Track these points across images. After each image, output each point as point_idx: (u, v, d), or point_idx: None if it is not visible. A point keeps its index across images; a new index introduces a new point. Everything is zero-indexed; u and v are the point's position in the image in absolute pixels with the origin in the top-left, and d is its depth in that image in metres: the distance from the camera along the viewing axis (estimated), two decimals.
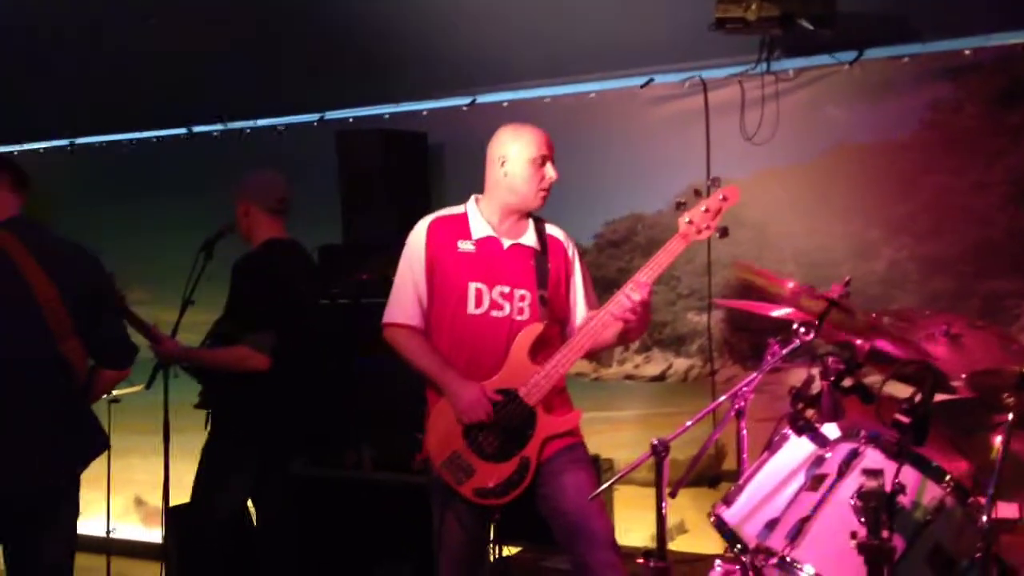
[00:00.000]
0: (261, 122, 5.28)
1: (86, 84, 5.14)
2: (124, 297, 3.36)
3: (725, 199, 2.60)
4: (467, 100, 4.77)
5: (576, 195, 4.47)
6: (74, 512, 2.79)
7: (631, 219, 4.38)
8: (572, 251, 2.91)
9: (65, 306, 2.66)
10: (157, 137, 5.54)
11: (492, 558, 3.54)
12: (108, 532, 4.50)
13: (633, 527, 3.90)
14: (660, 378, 4.27)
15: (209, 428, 3.52)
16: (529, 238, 2.81)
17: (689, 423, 2.39)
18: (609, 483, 2.37)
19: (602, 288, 4.30)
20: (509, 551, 3.79)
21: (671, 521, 3.80)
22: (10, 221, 2.73)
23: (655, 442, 2.22)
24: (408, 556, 3.71)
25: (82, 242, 2.91)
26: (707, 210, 2.59)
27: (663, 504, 2.26)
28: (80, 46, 4.87)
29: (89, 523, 5.36)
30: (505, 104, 4.70)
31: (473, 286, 2.72)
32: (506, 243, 2.78)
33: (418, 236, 2.82)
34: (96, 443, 2.85)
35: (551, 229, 2.89)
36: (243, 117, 5.29)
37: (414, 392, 3.75)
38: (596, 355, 4.32)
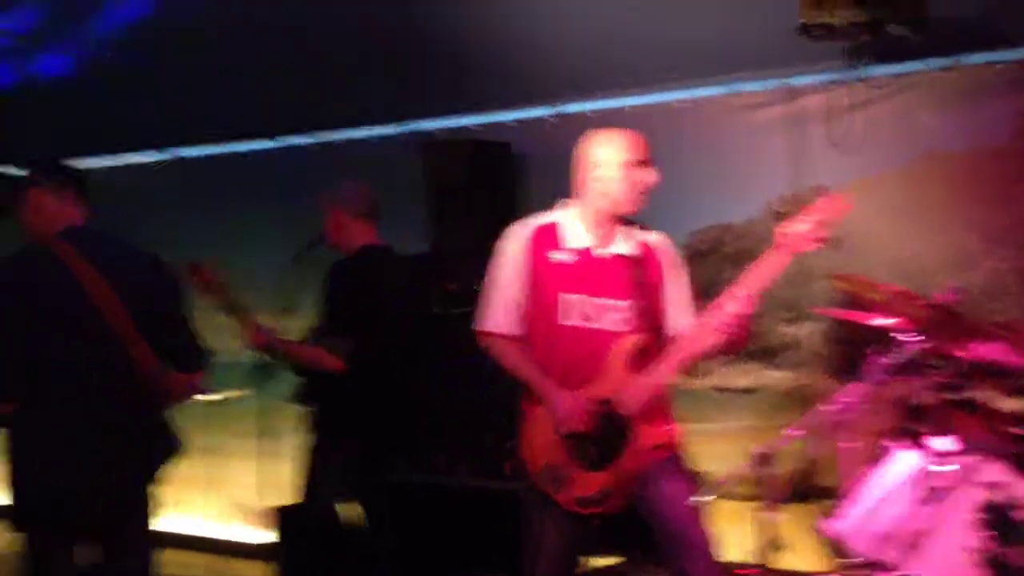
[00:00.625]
0: (349, 134, 5.40)
1: (182, 97, 5.31)
2: (224, 283, 3.45)
3: (829, 209, 2.52)
4: (552, 111, 4.80)
5: (661, 205, 4.43)
6: (150, 514, 2.84)
7: (718, 229, 4.34)
8: (670, 257, 2.85)
9: (128, 311, 2.68)
10: (249, 150, 5.70)
11: (585, 568, 3.53)
12: (208, 533, 4.61)
13: (728, 541, 3.85)
14: (750, 391, 4.22)
15: (310, 427, 3.59)
16: (624, 246, 2.76)
17: (791, 433, 2.36)
18: (713, 493, 2.35)
19: None
20: (604, 562, 3.78)
21: (764, 537, 3.76)
22: (70, 231, 2.76)
23: (758, 452, 2.19)
24: (499, 564, 3.73)
25: (145, 249, 2.95)
26: (809, 221, 2.51)
27: (766, 514, 2.23)
28: (177, 60, 5.03)
29: (190, 522, 5.61)
30: (590, 114, 4.70)
31: (567, 297, 2.71)
32: (600, 252, 2.75)
33: (514, 243, 2.80)
34: (169, 446, 2.88)
35: (647, 235, 2.83)
36: (331, 128, 5.41)
37: (504, 399, 3.80)
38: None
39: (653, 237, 2.84)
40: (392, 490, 3.70)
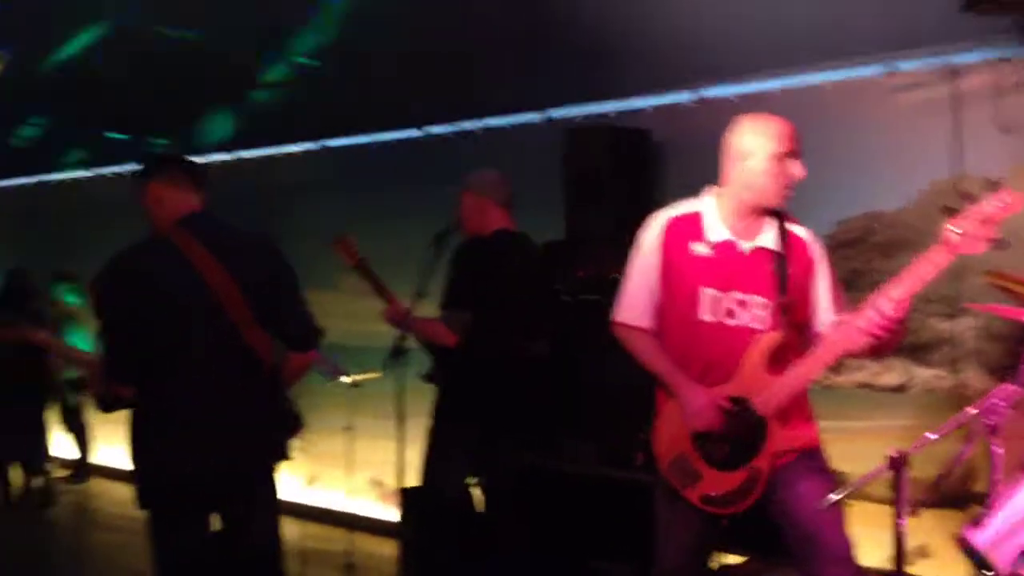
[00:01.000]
0: (490, 122, 5.46)
1: (334, 91, 5.51)
2: (365, 258, 3.62)
3: (1005, 206, 2.25)
4: (693, 96, 4.69)
5: (807, 192, 4.25)
6: (274, 492, 2.89)
7: (867, 218, 4.13)
8: (816, 251, 2.70)
9: (243, 296, 2.73)
10: (395, 139, 5.86)
11: (713, 565, 3.46)
12: (345, 508, 4.79)
13: (868, 547, 3.68)
14: (900, 389, 3.99)
15: (433, 408, 3.66)
16: (769, 239, 2.64)
17: (932, 436, 2.21)
18: (844, 494, 2.23)
19: None
20: (733, 560, 3.69)
21: (911, 544, 3.56)
22: (187, 218, 2.81)
23: (894, 454, 2.07)
24: (627, 555, 3.70)
25: (262, 233, 3.00)
26: (979, 218, 2.26)
27: (901, 521, 2.11)
28: (327, 52, 5.22)
29: (331, 498, 5.87)
30: (733, 98, 4.57)
31: (706, 292, 2.62)
32: (743, 246, 2.63)
33: (652, 235, 2.73)
34: (289, 426, 2.94)
35: (794, 227, 2.69)
36: (474, 117, 5.49)
37: (636, 388, 3.75)
38: None
39: (799, 230, 2.70)
40: (517, 475, 3.72)
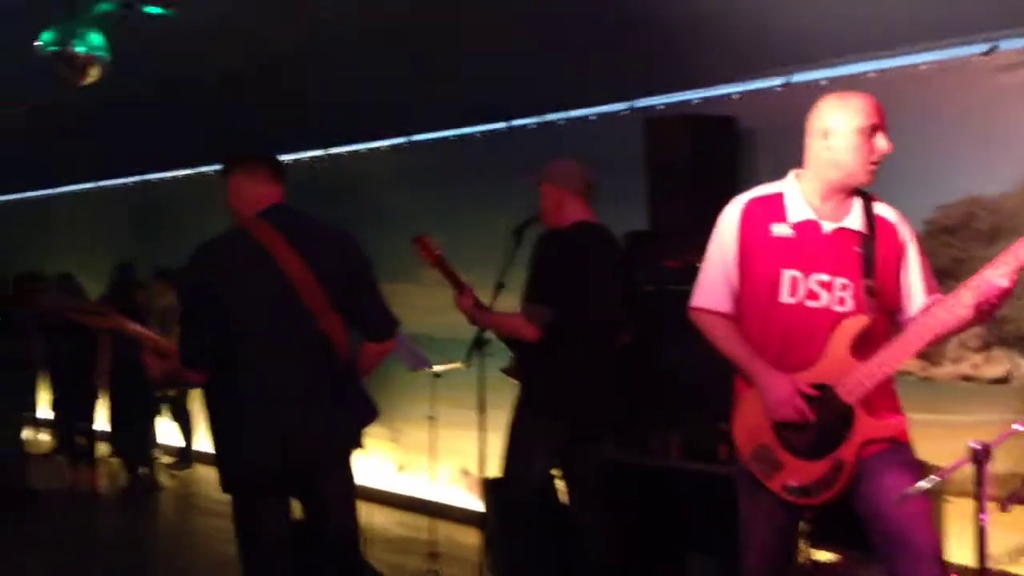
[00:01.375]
0: (574, 113, 5.44)
1: (416, 86, 5.57)
2: (442, 255, 3.61)
3: None
4: (781, 81, 4.57)
5: (904, 177, 4.10)
6: (351, 479, 2.90)
7: (968, 203, 3.95)
8: (905, 233, 2.58)
9: (320, 285, 2.76)
10: (480, 132, 5.89)
11: (802, 560, 3.37)
12: (431, 497, 4.85)
13: (965, 544, 3.53)
14: (1003, 380, 3.81)
15: (517, 400, 3.66)
16: (854, 220, 2.54)
17: (1020, 427, 2.10)
18: (921, 488, 2.14)
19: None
20: (823, 555, 3.58)
21: (1012, 542, 3.40)
22: (267, 210, 2.86)
23: (975, 446, 1.97)
24: (716, 549, 3.64)
25: (342, 227, 3.01)
26: None
27: (983, 516, 2.01)
28: (411, 50, 5.27)
29: (417, 486, 5.96)
30: (823, 83, 4.43)
31: (787, 274, 2.53)
32: (827, 227, 2.54)
33: (730, 218, 2.66)
34: (365, 414, 2.93)
35: (881, 208, 2.58)
36: (557, 109, 5.48)
37: (724, 380, 3.68)
38: (926, 351, 3.96)
39: (887, 211, 2.60)
40: (602, 468, 3.69)
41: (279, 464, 2.74)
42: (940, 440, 3.75)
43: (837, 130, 2.49)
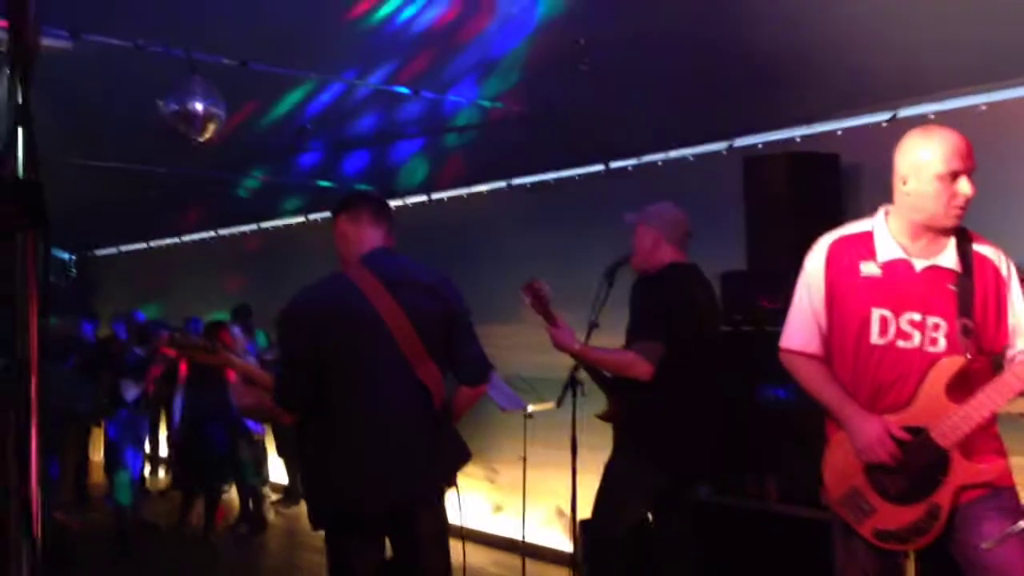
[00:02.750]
0: (673, 154, 5.42)
1: (517, 131, 5.66)
2: (542, 289, 3.53)
3: None
4: (887, 116, 4.46)
5: (1019, 211, 3.95)
6: (444, 518, 2.91)
7: None
8: (1007, 270, 2.48)
9: (417, 332, 2.78)
10: (578, 174, 5.94)
11: None
12: (523, 537, 4.82)
13: None
14: None
15: (614, 444, 3.63)
16: (948, 258, 2.46)
17: None
18: (1011, 532, 2.02)
19: None
20: None
21: None
22: (368, 255, 2.89)
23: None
24: None
25: (437, 268, 2.99)
26: None
27: None
28: (511, 97, 5.37)
29: (513, 526, 5.94)
30: (932, 116, 4.31)
31: (877, 313, 2.46)
32: (919, 265, 2.46)
33: (817, 257, 2.62)
34: (459, 456, 2.95)
35: (980, 246, 2.49)
36: (657, 151, 5.47)
37: (823, 421, 3.56)
38: None
39: (986, 248, 2.50)
40: (699, 512, 3.62)
41: (379, 508, 2.77)
42: None
43: (915, 175, 2.41)
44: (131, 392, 6.38)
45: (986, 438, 2.41)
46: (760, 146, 4.95)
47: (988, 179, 4.05)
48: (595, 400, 3.81)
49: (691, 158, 5.31)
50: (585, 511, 3.73)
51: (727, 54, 4.45)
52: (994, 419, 2.41)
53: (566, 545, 5.29)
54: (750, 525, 3.90)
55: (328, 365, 2.74)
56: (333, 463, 2.76)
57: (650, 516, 3.68)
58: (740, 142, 5.05)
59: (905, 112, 4.40)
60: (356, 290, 2.79)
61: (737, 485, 4.00)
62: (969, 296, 2.41)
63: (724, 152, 5.12)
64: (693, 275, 3.63)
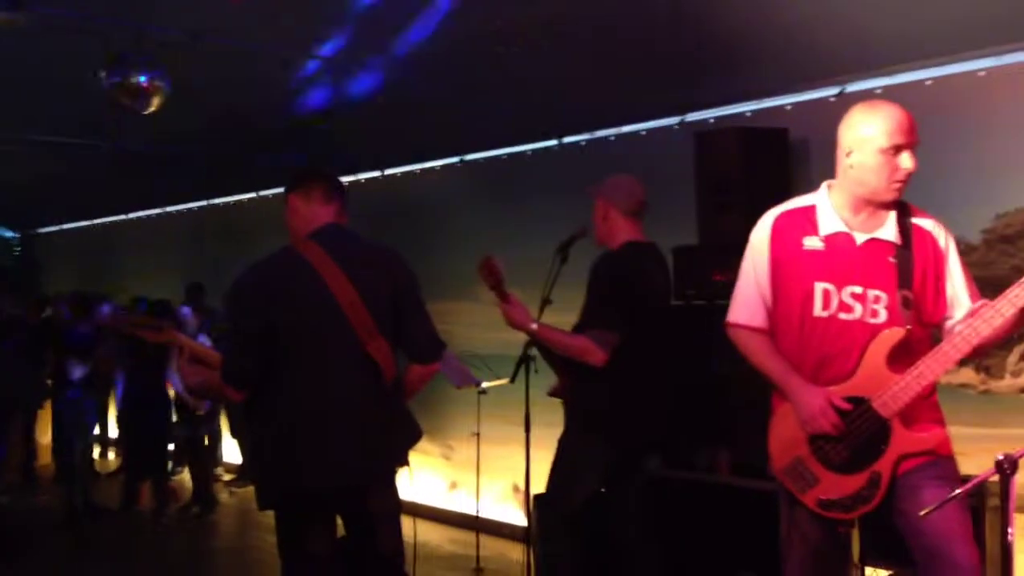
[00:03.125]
0: (625, 128, 5.43)
1: (471, 107, 5.62)
2: (497, 265, 3.48)
3: None
4: (835, 90, 4.50)
5: (963, 186, 4.03)
6: (396, 496, 2.89)
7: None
8: (944, 241, 2.52)
9: (367, 308, 2.75)
10: (531, 150, 5.92)
11: None
12: (478, 513, 4.84)
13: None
14: None
15: (565, 419, 3.64)
16: (888, 231, 2.49)
17: None
18: (945, 500, 2.08)
19: (992, 290, 3.84)
20: (876, 573, 3.47)
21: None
22: (318, 231, 2.86)
23: (1000, 457, 1.92)
24: (765, 567, 3.56)
25: (392, 247, 2.97)
26: None
27: (1007, 531, 1.94)
28: (464, 72, 5.32)
29: (468, 503, 5.97)
30: (879, 91, 4.35)
31: (820, 286, 2.50)
32: (860, 238, 2.50)
33: (761, 232, 2.65)
34: (410, 435, 2.92)
35: (919, 219, 2.53)
36: (608, 125, 5.47)
37: (767, 398, 3.60)
38: (985, 364, 3.83)
39: (925, 221, 2.54)
40: (650, 485, 3.65)
41: (329, 486, 2.74)
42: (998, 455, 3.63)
43: (859, 149, 2.45)
44: (76, 371, 6.26)
45: (926, 408, 2.46)
46: (711, 121, 4.98)
47: (934, 153, 4.15)
48: (548, 376, 3.81)
49: (643, 133, 5.32)
50: (539, 486, 3.75)
51: (678, 30, 4.46)
52: (934, 389, 2.46)
53: (521, 520, 5.33)
54: (701, 498, 3.95)
55: (277, 341, 2.71)
56: (281, 441, 2.72)
57: (603, 490, 3.70)
58: (691, 117, 5.07)
59: (853, 87, 4.44)
60: (306, 265, 2.76)
61: (689, 458, 4.05)
62: (908, 268, 2.45)
63: (676, 127, 5.14)
64: (650, 255, 3.64)
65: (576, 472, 3.51)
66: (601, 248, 3.68)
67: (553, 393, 3.71)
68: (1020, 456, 1.98)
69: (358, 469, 2.77)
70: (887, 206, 2.51)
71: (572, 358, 3.46)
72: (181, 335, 3.14)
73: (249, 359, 2.73)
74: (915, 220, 2.52)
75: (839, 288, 2.48)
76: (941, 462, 2.44)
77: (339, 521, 2.91)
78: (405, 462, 2.92)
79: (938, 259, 2.50)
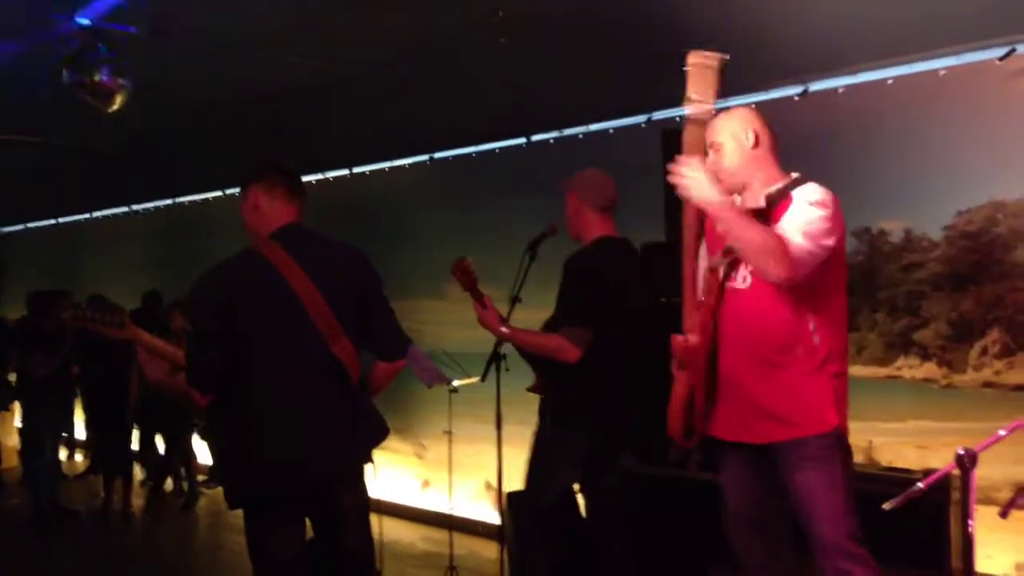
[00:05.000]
0: (593, 127, 5.46)
1: (440, 105, 5.62)
2: (470, 267, 3.52)
3: None
4: (798, 90, 4.56)
5: (924, 183, 4.10)
6: (364, 494, 2.89)
7: (989, 207, 3.91)
8: (797, 198, 2.62)
9: (331, 308, 2.75)
10: (499, 148, 5.94)
11: None
12: (451, 512, 4.85)
13: (995, 553, 3.48)
14: None
15: (541, 414, 3.66)
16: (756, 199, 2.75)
17: (1003, 433, 2.10)
18: (900, 498, 2.13)
19: (954, 286, 3.93)
20: None
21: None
22: (281, 230, 2.84)
23: (961, 452, 1.97)
24: (735, 561, 3.60)
25: (350, 243, 2.96)
26: None
27: (969, 522, 2.00)
28: (433, 71, 5.31)
29: (441, 501, 5.98)
30: (841, 90, 4.43)
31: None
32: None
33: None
34: (377, 433, 2.91)
35: (796, 187, 2.68)
36: (576, 124, 5.50)
37: None
38: (947, 359, 3.92)
39: (799, 188, 2.66)
40: (622, 481, 3.68)
41: (296, 487, 2.74)
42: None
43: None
44: (41, 371, 6.17)
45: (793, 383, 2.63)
46: (678, 119, 5.00)
47: (895, 151, 4.23)
48: (519, 374, 3.84)
49: (611, 131, 5.35)
50: (512, 484, 3.77)
51: (646, 28, 4.48)
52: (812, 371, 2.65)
53: (494, 518, 5.35)
54: (673, 493, 3.99)
55: (241, 343, 2.69)
56: (248, 442, 2.71)
57: (580, 490, 3.73)
58: (659, 115, 5.11)
59: (816, 86, 4.50)
60: (269, 266, 2.75)
61: (660, 454, 4.08)
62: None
63: (643, 125, 5.17)
64: (621, 250, 3.66)
65: (553, 468, 3.52)
66: (575, 244, 3.69)
67: (533, 389, 3.73)
68: (981, 450, 2.03)
69: (323, 470, 2.76)
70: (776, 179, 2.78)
71: (546, 357, 3.48)
72: (143, 332, 3.10)
73: (212, 361, 2.70)
74: (793, 189, 2.66)
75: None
76: (809, 442, 2.58)
77: (308, 521, 2.90)
78: (370, 459, 2.91)
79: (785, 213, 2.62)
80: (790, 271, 2.47)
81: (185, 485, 7.06)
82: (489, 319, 3.51)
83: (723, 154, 2.82)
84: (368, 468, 2.90)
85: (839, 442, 2.55)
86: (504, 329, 3.50)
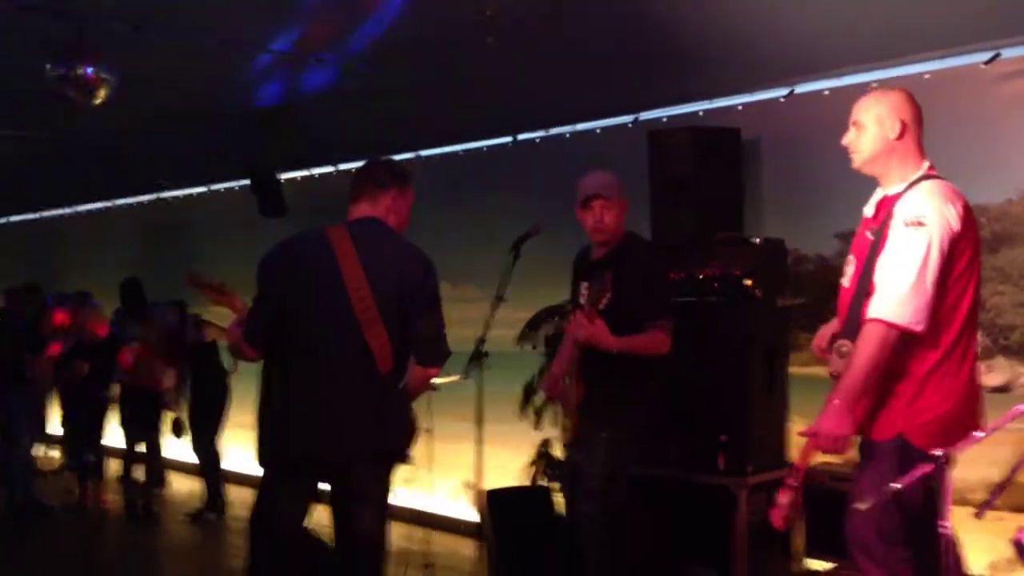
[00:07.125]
0: (580, 126, 5.45)
1: (427, 103, 5.60)
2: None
3: None
4: (784, 91, 4.57)
5: None
6: (384, 489, 2.95)
7: (973, 211, 3.91)
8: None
9: (374, 298, 2.83)
10: (486, 147, 5.92)
11: (797, 570, 3.32)
12: (430, 510, 4.81)
13: (969, 553, 3.48)
14: (1004, 389, 3.77)
15: (583, 423, 3.58)
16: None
17: (981, 435, 2.11)
18: (873, 501, 2.14)
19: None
20: (817, 565, 3.54)
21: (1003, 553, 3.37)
22: (352, 220, 3.01)
23: (937, 453, 1.98)
24: (716, 559, 3.60)
25: (418, 249, 3.01)
26: None
27: (944, 524, 2.00)
28: (420, 70, 5.30)
29: (419, 499, 5.95)
30: (826, 93, 4.45)
31: None
32: None
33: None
34: (401, 429, 2.98)
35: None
36: (564, 123, 5.49)
37: (718, 391, 3.64)
38: None
39: (905, 196, 2.65)
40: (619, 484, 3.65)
41: (301, 456, 2.85)
42: None
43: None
44: (18, 366, 6.12)
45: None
46: (664, 120, 5.02)
47: None
48: (500, 372, 3.82)
49: (597, 131, 5.35)
50: (491, 482, 3.76)
51: (633, 30, 4.49)
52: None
53: (472, 516, 5.32)
54: (653, 492, 3.97)
55: (286, 311, 2.87)
56: (273, 406, 2.89)
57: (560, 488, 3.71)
58: (645, 115, 5.11)
59: (801, 88, 4.52)
60: (327, 247, 2.90)
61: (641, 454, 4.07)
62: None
63: (630, 125, 5.17)
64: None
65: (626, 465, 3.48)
66: (566, 244, 3.69)
67: (553, 393, 3.65)
68: (956, 451, 2.03)
69: (339, 447, 2.84)
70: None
71: (647, 354, 3.39)
72: (237, 298, 3.16)
73: (261, 320, 2.92)
74: None
75: None
76: None
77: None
78: (401, 457, 2.98)
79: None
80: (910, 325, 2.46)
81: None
82: (601, 334, 3.29)
83: (862, 137, 2.69)
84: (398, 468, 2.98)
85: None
86: (615, 342, 3.31)
